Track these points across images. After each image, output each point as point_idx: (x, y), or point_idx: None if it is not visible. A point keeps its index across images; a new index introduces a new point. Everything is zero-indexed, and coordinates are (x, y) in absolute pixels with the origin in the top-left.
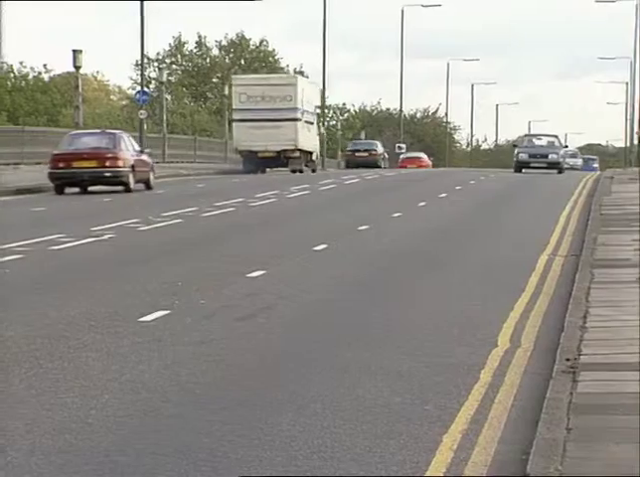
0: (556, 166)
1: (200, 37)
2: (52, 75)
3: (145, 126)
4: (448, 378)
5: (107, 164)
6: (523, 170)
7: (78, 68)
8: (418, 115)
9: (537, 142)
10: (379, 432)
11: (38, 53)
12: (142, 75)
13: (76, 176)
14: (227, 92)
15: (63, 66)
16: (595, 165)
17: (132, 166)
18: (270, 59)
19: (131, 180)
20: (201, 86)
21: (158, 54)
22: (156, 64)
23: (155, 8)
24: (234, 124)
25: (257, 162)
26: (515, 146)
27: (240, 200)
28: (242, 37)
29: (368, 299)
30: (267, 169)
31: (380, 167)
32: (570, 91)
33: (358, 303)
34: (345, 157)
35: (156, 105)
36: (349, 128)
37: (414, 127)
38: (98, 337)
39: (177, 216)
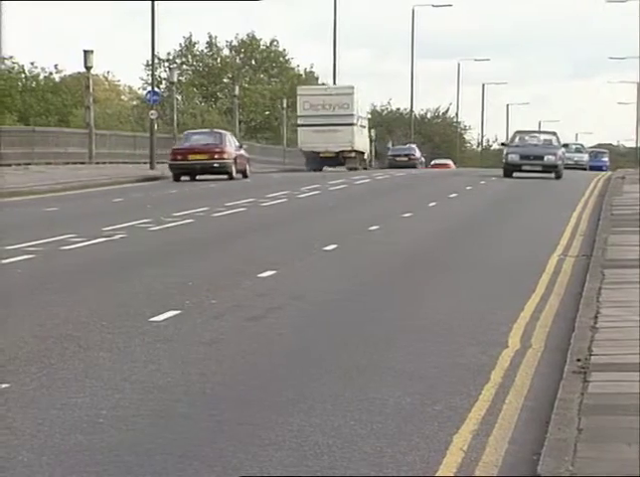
0: (552, 169)
1: (210, 37)
2: (62, 75)
3: (156, 126)
4: (458, 378)
5: (216, 157)
6: (514, 174)
7: (89, 68)
8: (429, 115)
9: (530, 141)
10: (389, 433)
11: (49, 53)
12: (153, 75)
13: (190, 167)
14: (237, 93)
15: (73, 66)
16: (605, 159)
17: (234, 159)
18: (281, 59)
19: (233, 170)
20: (211, 87)
21: (169, 54)
22: (167, 64)
23: (166, 8)
24: (298, 129)
25: (319, 161)
26: (504, 145)
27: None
28: (253, 37)
29: (378, 299)
30: (326, 168)
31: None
32: (581, 91)
33: (368, 303)
34: (387, 161)
35: (167, 105)
36: None
37: (425, 127)
38: (109, 337)
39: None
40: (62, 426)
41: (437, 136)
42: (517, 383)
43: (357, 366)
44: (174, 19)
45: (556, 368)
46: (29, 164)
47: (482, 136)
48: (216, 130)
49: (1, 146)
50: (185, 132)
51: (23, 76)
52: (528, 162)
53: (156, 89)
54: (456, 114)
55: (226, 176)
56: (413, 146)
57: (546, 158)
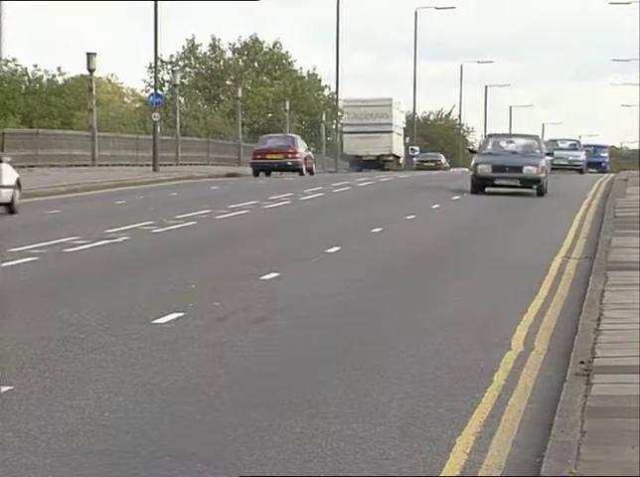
0: (533, 184)
1: (214, 39)
2: (66, 77)
3: (158, 129)
4: (462, 380)
5: (289, 156)
6: (487, 189)
7: (91, 71)
8: (432, 117)
9: (506, 146)
10: (392, 435)
11: (52, 56)
12: (156, 77)
13: (268, 164)
14: (240, 95)
15: (77, 69)
16: (604, 155)
17: (304, 158)
18: (284, 61)
19: (304, 168)
20: (214, 89)
21: (172, 56)
22: (169, 66)
23: (168, 11)
24: (344, 135)
25: (361, 164)
26: (472, 152)
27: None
28: (256, 39)
29: (381, 302)
30: (366, 169)
31: None
32: (585, 93)
33: (371, 306)
34: (415, 165)
35: (169, 108)
36: None
37: (428, 129)
38: (112, 339)
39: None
40: (65, 429)
41: (441, 139)
42: (520, 385)
43: (360, 368)
44: (177, 21)
45: (559, 370)
46: (32, 166)
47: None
48: (288, 134)
49: (5, 149)
50: (262, 136)
51: (26, 78)
52: (502, 175)
53: (159, 92)
54: (459, 116)
55: (297, 173)
56: (440, 154)
57: (525, 169)
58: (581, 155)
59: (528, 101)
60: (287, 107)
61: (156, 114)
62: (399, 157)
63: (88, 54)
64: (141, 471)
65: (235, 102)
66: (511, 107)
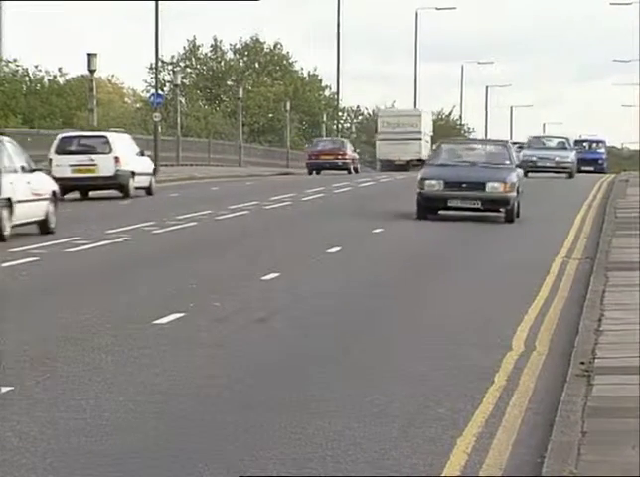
0: (500, 204)
1: (215, 40)
2: (67, 78)
3: (159, 129)
4: (462, 381)
5: (339, 157)
6: (439, 212)
7: (92, 71)
8: (433, 118)
9: (465, 156)
10: (393, 435)
11: (53, 56)
12: (156, 78)
13: (321, 164)
14: (241, 95)
15: (77, 69)
16: (601, 151)
17: (352, 159)
18: (285, 61)
19: (351, 167)
20: (215, 89)
21: (173, 57)
22: (170, 67)
23: (169, 11)
24: (377, 142)
25: (392, 167)
26: (421, 162)
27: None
28: (257, 40)
29: (382, 302)
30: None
31: None
32: (586, 94)
33: (372, 306)
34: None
35: (170, 108)
36: (363, 131)
37: None
38: (113, 339)
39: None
40: (65, 429)
41: (442, 139)
42: (521, 385)
43: (361, 368)
44: (178, 22)
45: (559, 370)
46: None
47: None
48: (337, 138)
49: None
50: (315, 139)
51: (27, 78)
52: (458, 193)
53: (160, 92)
54: (460, 117)
55: (346, 171)
56: None
57: (489, 186)
58: (570, 156)
59: (528, 102)
60: (288, 108)
61: (157, 115)
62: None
63: (89, 54)
64: (141, 471)
65: (235, 103)
66: (512, 108)
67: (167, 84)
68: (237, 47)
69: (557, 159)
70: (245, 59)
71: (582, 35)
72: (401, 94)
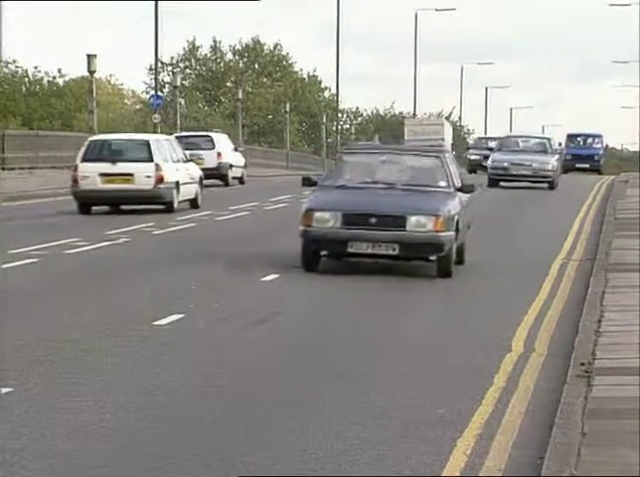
0: (431, 251)
1: (215, 41)
2: (66, 79)
3: (159, 130)
4: (462, 382)
5: None
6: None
7: (92, 72)
8: (432, 119)
9: (378, 172)
10: (392, 437)
11: (52, 57)
12: (156, 79)
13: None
14: (240, 96)
15: (77, 70)
16: (598, 146)
17: None
18: (284, 63)
19: None
20: (215, 91)
21: (172, 58)
22: (170, 68)
23: (169, 12)
24: None
25: None
26: (308, 183)
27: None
28: (257, 41)
29: (382, 304)
30: None
31: None
32: (585, 95)
33: (372, 308)
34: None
35: (170, 109)
36: (362, 132)
37: None
38: (113, 340)
39: None
40: (65, 430)
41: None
42: (520, 386)
43: (360, 370)
44: (178, 23)
45: (559, 372)
46: (33, 168)
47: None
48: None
49: (5, 150)
50: (355, 144)
51: (26, 80)
52: (362, 233)
53: (159, 93)
54: (459, 118)
55: None
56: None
57: (412, 222)
58: (551, 161)
59: (528, 103)
60: (287, 109)
61: (156, 116)
62: None
63: (89, 55)
64: (141, 471)
65: (235, 104)
66: (511, 109)
67: (166, 86)
68: (236, 48)
69: (534, 166)
70: (245, 60)
71: (582, 36)
72: (401, 95)
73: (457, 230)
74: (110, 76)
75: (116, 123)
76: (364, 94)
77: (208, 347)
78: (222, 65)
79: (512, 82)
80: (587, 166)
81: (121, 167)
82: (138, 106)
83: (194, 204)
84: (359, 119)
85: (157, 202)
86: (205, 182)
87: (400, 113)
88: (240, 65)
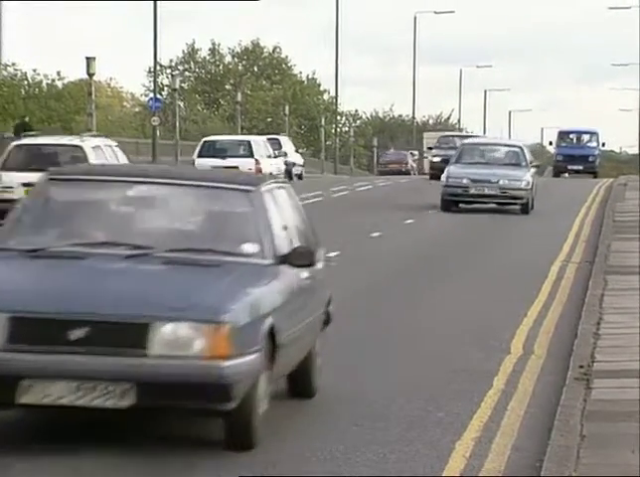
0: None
1: (214, 44)
2: (65, 82)
3: (158, 133)
4: (461, 384)
5: (404, 165)
6: None
7: (91, 75)
8: (431, 122)
9: (117, 226)
10: (392, 439)
11: (51, 60)
12: (155, 81)
13: (389, 171)
14: (239, 99)
15: (76, 73)
16: (593, 144)
17: (411, 166)
18: (283, 65)
19: (412, 172)
20: (214, 93)
21: (171, 61)
22: (169, 70)
23: (168, 15)
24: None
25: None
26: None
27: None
28: (257, 44)
29: (381, 305)
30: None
31: None
32: (584, 98)
33: (372, 309)
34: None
35: (169, 112)
36: (361, 135)
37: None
38: None
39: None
40: (65, 429)
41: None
42: (519, 389)
43: (360, 370)
44: (177, 26)
45: (558, 374)
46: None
47: None
48: (401, 151)
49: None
50: (384, 152)
51: (25, 82)
52: (59, 361)
53: (158, 96)
54: (458, 121)
55: (408, 177)
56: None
57: (162, 337)
58: (525, 177)
59: (527, 106)
60: (287, 112)
61: (155, 119)
62: None
63: (88, 58)
64: (142, 472)
65: (234, 107)
66: (510, 112)
67: (165, 88)
68: (235, 51)
69: (501, 183)
70: (244, 63)
71: (581, 39)
72: (400, 98)
73: (274, 354)
74: (110, 78)
75: (115, 126)
76: (363, 97)
77: None
78: (221, 67)
79: (511, 85)
80: (581, 168)
81: (229, 161)
82: (137, 109)
83: None
84: (358, 122)
85: None
86: None
87: (400, 116)
88: (240, 67)
